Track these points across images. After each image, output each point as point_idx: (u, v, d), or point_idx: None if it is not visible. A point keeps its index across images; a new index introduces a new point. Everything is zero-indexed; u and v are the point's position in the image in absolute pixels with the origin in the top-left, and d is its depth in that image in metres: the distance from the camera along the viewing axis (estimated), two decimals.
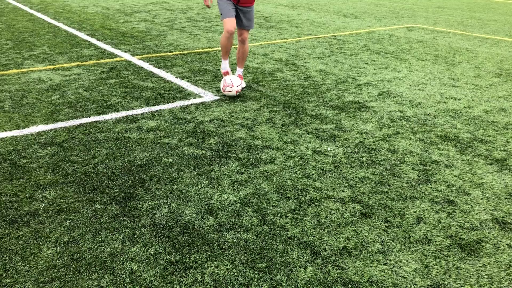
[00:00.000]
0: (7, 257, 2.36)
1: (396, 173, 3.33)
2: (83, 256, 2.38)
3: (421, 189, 3.12)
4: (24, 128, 3.96)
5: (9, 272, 2.25)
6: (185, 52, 6.83)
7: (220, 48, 6.84)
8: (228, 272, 2.29)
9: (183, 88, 5.15)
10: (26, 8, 10.87)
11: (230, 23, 4.68)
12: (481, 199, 3.02)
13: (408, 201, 2.96)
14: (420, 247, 2.52)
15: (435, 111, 4.60)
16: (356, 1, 14.07)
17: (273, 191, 3.04)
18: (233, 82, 4.77)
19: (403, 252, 2.47)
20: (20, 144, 3.65)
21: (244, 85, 5.12)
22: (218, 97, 4.86)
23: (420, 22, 10.11)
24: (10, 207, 2.79)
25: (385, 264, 2.38)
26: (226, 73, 5.18)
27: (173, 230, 2.61)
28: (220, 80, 5.44)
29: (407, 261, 2.41)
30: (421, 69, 6.18)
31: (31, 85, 5.14)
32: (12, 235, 2.53)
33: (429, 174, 3.33)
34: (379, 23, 9.90)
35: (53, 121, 4.13)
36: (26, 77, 5.43)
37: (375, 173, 3.32)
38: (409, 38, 8.30)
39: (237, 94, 4.82)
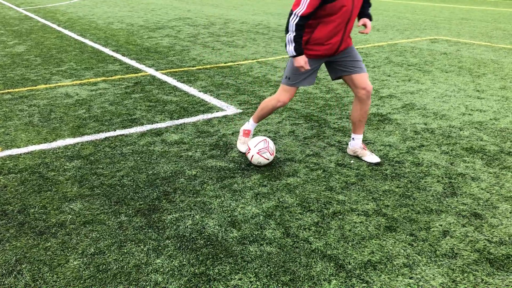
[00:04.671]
0: (36, 268, 2.41)
1: (421, 186, 3.28)
2: (109, 267, 2.41)
3: (447, 202, 3.07)
4: (52, 141, 4.06)
5: (38, 282, 2.30)
6: (208, 66, 6.92)
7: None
8: (252, 285, 2.28)
9: (206, 101, 5.21)
10: (54, 26, 11.20)
11: (289, 94, 3.54)
12: (510, 212, 2.95)
13: (433, 215, 2.92)
14: (446, 261, 2.47)
15: (460, 123, 4.53)
16: (378, 14, 14.05)
17: (296, 204, 3.03)
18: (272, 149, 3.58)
19: (429, 266, 2.43)
20: (48, 157, 3.74)
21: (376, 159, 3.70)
22: (241, 111, 4.90)
23: (443, 34, 10.02)
24: (39, 219, 2.86)
25: (410, 278, 2.34)
26: (248, 134, 3.89)
27: (197, 242, 2.63)
28: (242, 94, 5.47)
29: (433, 275, 2.36)
30: (445, 81, 6.12)
31: (59, 99, 5.28)
32: (41, 246, 2.59)
33: (455, 187, 3.27)
34: (401, 36, 9.85)
35: (79, 134, 4.22)
36: (54, 92, 5.58)
37: (400, 186, 3.28)
38: (432, 50, 8.23)
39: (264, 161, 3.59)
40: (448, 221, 2.85)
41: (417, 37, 9.68)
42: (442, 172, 3.50)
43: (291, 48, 3.19)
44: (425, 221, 2.84)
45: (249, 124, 3.89)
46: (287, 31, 3.18)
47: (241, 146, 3.86)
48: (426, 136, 4.20)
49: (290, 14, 3.12)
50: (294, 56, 3.22)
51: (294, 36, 3.15)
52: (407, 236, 2.69)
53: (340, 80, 6.10)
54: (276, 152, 3.79)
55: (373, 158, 3.64)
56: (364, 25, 3.38)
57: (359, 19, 3.44)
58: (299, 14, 3.08)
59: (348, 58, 3.42)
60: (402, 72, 6.61)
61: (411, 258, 2.49)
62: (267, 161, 3.53)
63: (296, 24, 3.11)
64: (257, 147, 3.50)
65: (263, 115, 3.77)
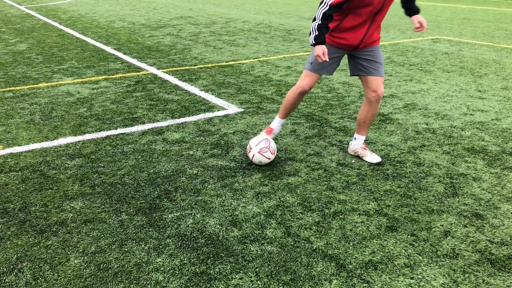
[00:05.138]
0: (37, 266, 2.41)
1: (423, 186, 3.28)
2: (110, 266, 2.41)
3: (448, 202, 3.06)
4: (53, 139, 4.06)
5: (39, 281, 2.30)
6: (209, 65, 6.92)
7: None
8: (253, 284, 2.28)
9: (207, 100, 5.20)
10: (56, 24, 11.20)
11: (311, 80, 3.48)
12: (511, 213, 2.94)
13: (435, 215, 2.91)
14: (448, 261, 2.47)
15: (462, 123, 4.53)
16: None
17: (297, 203, 3.03)
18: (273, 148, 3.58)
19: (430, 267, 2.42)
20: (49, 155, 3.74)
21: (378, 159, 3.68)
22: (242, 110, 4.89)
23: (445, 34, 10.00)
24: (40, 217, 2.86)
25: (411, 278, 2.34)
26: (270, 132, 3.85)
27: (197, 241, 2.62)
28: (243, 93, 5.47)
29: (434, 275, 2.36)
30: (447, 81, 6.11)
31: (60, 98, 5.28)
32: (41, 244, 2.59)
33: (456, 187, 3.27)
34: (403, 35, 9.83)
35: (81, 133, 4.22)
36: (56, 90, 5.58)
37: (401, 186, 3.28)
38: (434, 50, 8.22)
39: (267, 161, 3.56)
40: (450, 221, 2.84)
41: (418, 37, 9.66)
42: (443, 172, 3.49)
43: (312, 36, 3.16)
44: (426, 221, 2.84)
45: (274, 122, 3.84)
46: (314, 19, 3.16)
47: (374, 157, 3.66)
48: (428, 136, 4.19)
49: (321, 3, 3.08)
50: (313, 45, 3.18)
51: (318, 25, 3.12)
52: (408, 236, 2.68)
53: (342, 79, 6.10)
54: (277, 152, 3.79)
55: (374, 158, 3.64)
56: (420, 24, 3.28)
57: (409, 15, 3.37)
58: (328, 3, 3.05)
59: (370, 58, 3.39)
60: (403, 71, 6.60)
61: (412, 258, 2.49)
62: (268, 160, 3.52)
63: (323, 13, 3.09)
64: (259, 146, 3.49)
65: (287, 106, 3.67)
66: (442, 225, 2.80)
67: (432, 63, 7.16)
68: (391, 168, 3.55)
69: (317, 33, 3.14)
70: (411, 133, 4.26)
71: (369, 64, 3.40)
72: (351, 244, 2.60)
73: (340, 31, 3.28)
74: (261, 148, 3.48)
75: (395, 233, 2.72)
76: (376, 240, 2.65)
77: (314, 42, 3.16)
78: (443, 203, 3.05)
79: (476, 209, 2.98)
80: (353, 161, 3.66)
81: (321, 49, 3.15)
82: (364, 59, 3.39)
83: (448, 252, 2.54)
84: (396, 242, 2.63)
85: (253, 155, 3.50)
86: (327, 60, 3.19)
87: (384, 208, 2.99)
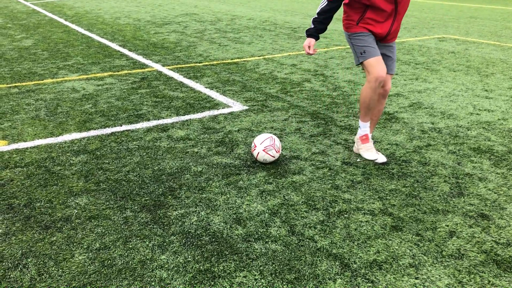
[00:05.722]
0: (41, 262, 2.41)
1: (428, 185, 3.26)
2: (114, 263, 2.41)
3: (453, 202, 3.05)
4: (58, 136, 4.07)
5: (43, 276, 2.31)
6: (214, 62, 6.91)
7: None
8: (257, 283, 2.28)
9: (212, 98, 5.20)
10: (61, 20, 11.22)
11: (381, 65, 3.29)
12: None
13: (440, 215, 2.90)
14: (453, 262, 2.45)
15: (468, 123, 4.50)
16: None
17: (302, 202, 3.02)
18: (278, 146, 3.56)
19: (435, 267, 2.41)
20: (54, 151, 3.75)
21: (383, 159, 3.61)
22: (247, 107, 4.88)
23: (452, 33, 9.95)
24: (44, 213, 2.86)
25: (416, 278, 2.32)
26: (367, 139, 3.62)
27: (202, 238, 2.62)
28: (248, 91, 5.46)
29: (439, 276, 2.35)
30: (453, 80, 6.07)
31: (65, 94, 5.29)
32: (46, 240, 2.60)
33: (462, 187, 3.25)
34: (409, 34, 9.79)
35: (86, 129, 4.23)
36: (61, 87, 5.59)
37: (406, 185, 3.26)
38: (440, 48, 8.18)
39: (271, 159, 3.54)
40: (455, 221, 2.83)
41: (425, 35, 9.62)
42: (449, 172, 3.47)
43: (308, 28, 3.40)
44: (432, 221, 2.82)
45: (361, 128, 3.60)
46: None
47: (367, 153, 3.60)
48: (433, 136, 4.17)
49: None
50: (307, 35, 3.38)
51: (314, 18, 3.34)
52: (413, 236, 2.67)
53: (348, 78, 6.08)
54: (282, 150, 3.78)
55: (370, 155, 3.61)
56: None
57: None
58: None
59: (388, 54, 3.43)
60: (409, 70, 6.57)
61: (417, 258, 2.47)
62: (273, 159, 3.52)
63: (320, 8, 3.31)
64: (263, 144, 3.48)
65: (367, 106, 3.44)
66: (448, 225, 2.78)
67: (438, 62, 7.13)
68: (396, 167, 3.54)
69: (311, 26, 3.37)
70: (417, 132, 4.24)
71: (386, 60, 3.41)
72: (356, 244, 2.59)
73: (367, 20, 3.30)
74: (266, 146, 3.48)
75: (400, 232, 2.70)
76: (381, 239, 2.64)
77: (306, 33, 3.39)
78: (449, 203, 3.03)
79: (482, 210, 2.96)
80: (358, 159, 3.65)
81: (307, 42, 3.35)
82: (383, 54, 3.41)
83: (453, 253, 2.53)
84: (401, 242, 2.62)
85: (258, 153, 3.49)
86: (310, 53, 3.32)
87: (389, 207, 2.97)
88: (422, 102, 5.12)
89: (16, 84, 5.66)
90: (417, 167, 3.55)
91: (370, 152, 3.61)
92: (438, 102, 5.14)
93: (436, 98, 5.29)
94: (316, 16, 3.29)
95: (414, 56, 7.51)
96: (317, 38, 3.37)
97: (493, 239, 2.66)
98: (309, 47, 3.31)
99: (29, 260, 2.43)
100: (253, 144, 3.56)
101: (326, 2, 3.24)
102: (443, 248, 2.57)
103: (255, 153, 3.52)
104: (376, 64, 3.27)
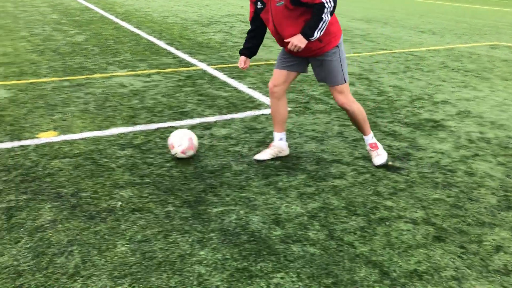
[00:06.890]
0: (86, 250, 2.50)
1: (474, 197, 3.16)
2: (154, 256, 2.47)
3: (501, 216, 2.93)
4: (105, 129, 4.20)
5: (87, 264, 2.39)
6: (258, 63, 6.94)
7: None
8: (294, 285, 2.27)
9: (255, 98, 5.22)
10: (112, 17, 11.57)
11: (274, 75, 3.73)
12: None
13: (486, 228, 2.80)
14: (499, 277, 2.36)
15: None
16: (435, 16, 13.60)
17: (342, 207, 2.99)
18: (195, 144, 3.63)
19: (479, 281, 2.33)
20: (101, 144, 3.87)
21: None
22: (289, 109, 4.87)
23: (505, 40, 9.57)
24: (90, 203, 2.97)
25: None
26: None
27: (240, 237, 2.64)
28: (291, 92, 5.44)
29: None
30: (505, 89, 5.84)
31: (114, 89, 5.45)
32: (91, 229, 2.69)
33: (510, 200, 3.12)
34: (459, 40, 9.49)
35: (132, 124, 4.34)
36: (110, 82, 5.77)
37: (451, 195, 3.17)
38: (492, 56, 7.88)
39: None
40: (502, 236, 2.72)
41: (476, 42, 9.30)
42: (497, 184, 3.35)
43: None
44: (477, 234, 2.73)
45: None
46: None
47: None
48: (481, 146, 4.03)
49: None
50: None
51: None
52: (457, 248, 2.59)
53: (393, 83, 5.96)
54: (323, 153, 3.75)
55: (379, 160, 3.57)
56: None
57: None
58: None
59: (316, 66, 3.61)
60: (458, 77, 6.38)
61: (460, 271, 2.40)
62: (186, 156, 3.58)
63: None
64: (181, 147, 3.52)
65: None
66: (494, 239, 2.68)
67: (490, 70, 6.87)
68: (441, 176, 3.44)
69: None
70: (464, 142, 4.11)
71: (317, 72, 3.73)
72: (396, 252, 2.54)
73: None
74: (183, 149, 3.53)
75: (442, 243, 2.63)
76: (422, 249, 2.57)
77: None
78: (496, 216, 2.92)
79: None
80: (390, 163, 3.57)
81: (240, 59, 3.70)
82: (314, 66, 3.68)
83: (499, 268, 2.44)
84: (443, 253, 2.55)
85: (176, 153, 3.55)
86: (242, 67, 3.67)
87: (432, 217, 2.90)
88: (471, 111, 4.95)
89: (67, 78, 5.88)
90: (463, 177, 3.44)
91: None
92: (488, 111, 4.96)
93: (486, 107, 5.11)
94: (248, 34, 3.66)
95: (463, 63, 7.28)
96: (246, 56, 3.68)
97: None
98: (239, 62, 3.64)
99: (74, 248, 2.52)
100: (170, 144, 3.57)
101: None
102: (488, 262, 2.48)
103: (172, 152, 3.57)
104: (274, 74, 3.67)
